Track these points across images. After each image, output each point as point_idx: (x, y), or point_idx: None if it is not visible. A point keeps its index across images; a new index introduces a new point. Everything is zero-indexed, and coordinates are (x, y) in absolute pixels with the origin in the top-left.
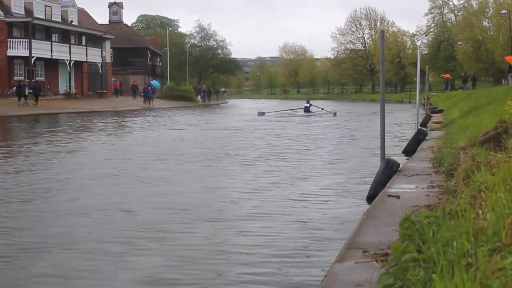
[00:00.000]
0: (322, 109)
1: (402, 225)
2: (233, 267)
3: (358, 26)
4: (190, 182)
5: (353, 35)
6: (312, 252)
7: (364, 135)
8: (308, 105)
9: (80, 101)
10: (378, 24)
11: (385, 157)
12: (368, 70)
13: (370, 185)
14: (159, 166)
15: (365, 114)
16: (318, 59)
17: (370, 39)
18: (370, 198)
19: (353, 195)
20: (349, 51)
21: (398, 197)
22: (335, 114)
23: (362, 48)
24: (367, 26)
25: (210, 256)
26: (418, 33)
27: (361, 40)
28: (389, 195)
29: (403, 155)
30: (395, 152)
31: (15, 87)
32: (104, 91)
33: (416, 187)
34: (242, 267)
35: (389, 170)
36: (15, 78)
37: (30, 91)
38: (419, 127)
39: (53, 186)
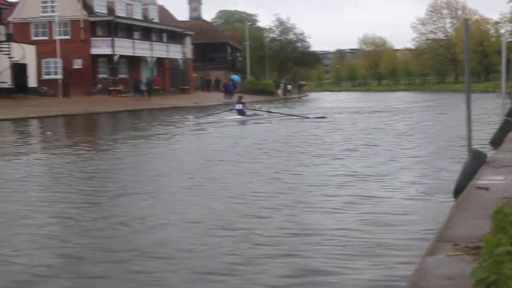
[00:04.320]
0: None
1: (494, 217)
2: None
3: (439, 15)
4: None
5: (434, 24)
6: (398, 245)
7: (449, 126)
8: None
9: (164, 97)
10: (460, 12)
11: (472, 148)
12: (450, 60)
13: (456, 178)
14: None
15: (449, 106)
16: (398, 49)
17: (452, 28)
18: (457, 191)
19: (439, 188)
20: (430, 41)
21: (487, 189)
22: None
23: (444, 37)
24: (448, 15)
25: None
26: (501, 20)
27: (442, 30)
28: (478, 187)
29: (490, 146)
30: (481, 143)
31: (131, 83)
32: (186, 87)
33: (505, 178)
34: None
35: (476, 162)
36: (99, 76)
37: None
38: (505, 117)
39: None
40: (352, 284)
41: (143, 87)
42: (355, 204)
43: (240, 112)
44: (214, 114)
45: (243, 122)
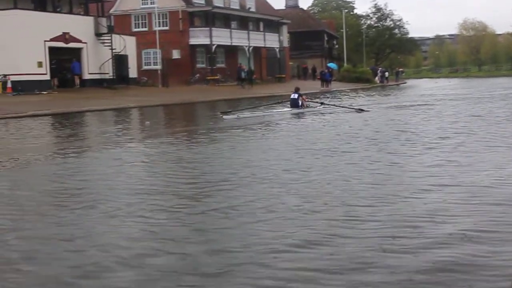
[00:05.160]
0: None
1: None
2: None
3: None
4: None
5: None
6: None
7: None
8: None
9: (261, 85)
10: None
11: None
12: None
13: None
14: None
15: None
16: (500, 34)
17: None
18: None
19: None
20: None
21: None
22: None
23: None
24: None
25: None
26: None
27: None
28: None
29: None
30: None
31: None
32: (283, 76)
33: None
34: None
35: None
36: (197, 66)
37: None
38: None
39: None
40: None
41: (244, 76)
42: None
43: (294, 103)
44: (251, 108)
45: (299, 115)
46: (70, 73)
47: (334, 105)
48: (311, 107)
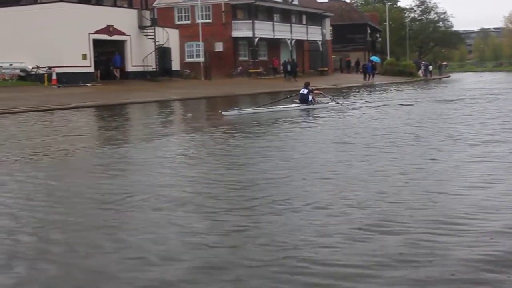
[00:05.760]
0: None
1: None
2: None
3: None
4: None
5: None
6: None
7: None
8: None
9: (303, 79)
10: None
11: None
12: None
13: None
14: None
15: None
16: None
17: None
18: None
19: None
20: None
21: None
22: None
23: None
24: None
25: None
26: None
27: None
28: None
29: None
30: None
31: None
32: (325, 69)
33: None
34: None
35: None
36: (240, 58)
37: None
38: None
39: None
40: None
41: (288, 69)
42: None
43: (303, 99)
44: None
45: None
46: (112, 66)
47: (342, 104)
48: (322, 103)
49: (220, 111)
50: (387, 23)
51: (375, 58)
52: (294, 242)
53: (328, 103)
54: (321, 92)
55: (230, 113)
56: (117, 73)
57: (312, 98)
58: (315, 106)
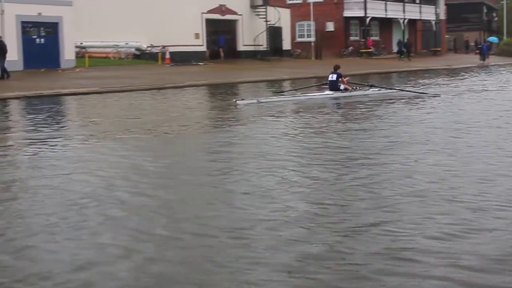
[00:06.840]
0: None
1: None
2: None
3: None
4: None
5: None
6: None
7: None
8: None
9: (415, 59)
10: None
11: None
12: None
13: None
14: None
15: None
16: None
17: None
18: None
19: None
20: None
21: None
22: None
23: None
24: None
25: None
26: None
27: None
28: None
29: None
30: None
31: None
32: (438, 49)
33: None
34: None
35: None
36: (351, 38)
37: None
38: None
39: None
40: None
41: (402, 48)
42: None
43: (333, 86)
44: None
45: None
46: (216, 45)
47: (391, 88)
48: (360, 89)
49: (234, 100)
50: (504, 1)
51: (493, 39)
52: None
53: (367, 90)
54: (348, 79)
55: (246, 102)
56: (222, 53)
57: (344, 85)
58: (352, 93)
